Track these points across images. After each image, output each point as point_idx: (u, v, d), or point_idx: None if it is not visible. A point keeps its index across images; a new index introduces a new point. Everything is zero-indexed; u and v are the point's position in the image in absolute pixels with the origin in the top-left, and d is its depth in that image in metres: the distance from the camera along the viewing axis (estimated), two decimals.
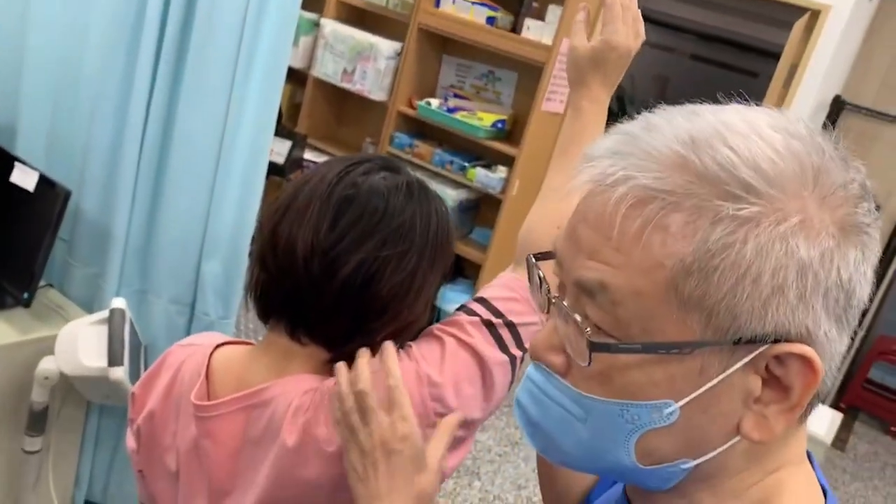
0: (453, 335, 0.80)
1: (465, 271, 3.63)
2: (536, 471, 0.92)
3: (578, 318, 0.50)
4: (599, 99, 0.92)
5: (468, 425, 0.80)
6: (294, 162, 3.62)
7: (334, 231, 0.77)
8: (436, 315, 0.87)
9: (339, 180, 0.79)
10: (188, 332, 2.04)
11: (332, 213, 0.77)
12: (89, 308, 2.02)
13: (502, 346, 0.81)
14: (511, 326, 0.81)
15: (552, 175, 0.91)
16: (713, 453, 0.50)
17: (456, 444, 0.80)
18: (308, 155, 3.74)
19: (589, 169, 0.50)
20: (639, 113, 0.52)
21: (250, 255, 0.84)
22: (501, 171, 3.31)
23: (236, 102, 1.85)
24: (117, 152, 1.92)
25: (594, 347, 0.49)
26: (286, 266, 0.78)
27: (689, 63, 6.01)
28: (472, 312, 0.82)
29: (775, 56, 4.09)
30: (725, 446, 0.50)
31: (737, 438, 0.50)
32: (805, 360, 0.47)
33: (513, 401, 0.62)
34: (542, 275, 0.56)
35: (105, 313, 1.74)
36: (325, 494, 0.78)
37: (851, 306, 0.48)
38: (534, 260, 0.59)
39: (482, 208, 3.60)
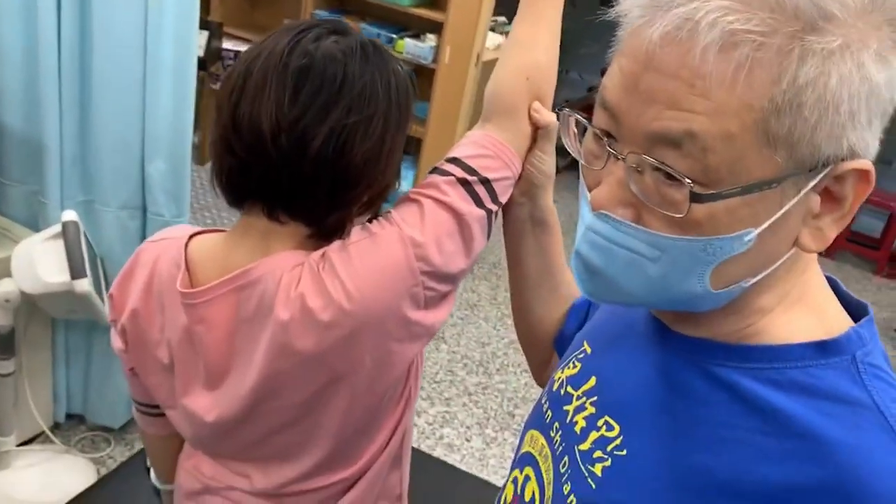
0: (430, 196, 0.82)
1: (406, 147, 3.61)
2: (511, 312, 0.99)
3: (670, 169, 0.50)
4: None
5: (453, 279, 0.84)
6: (213, 53, 3.46)
7: (297, 104, 0.76)
8: None
9: (290, 50, 0.77)
10: (144, 237, 2.02)
11: (291, 86, 0.76)
12: (35, 227, 1.97)
13: (478, 202, 0.83)
14: (486, 182, 0.84)
15: (519, 26, 0.90)
16: (771, 268, 0.55)
17: (443, 298, 0.84)
18: (227, 44, 3.57)
19: (662, 17, 0.48)
20: None
21: (213, 142, 0.82)
22: (431, 40, 3.23)
23: None
24: (32, 55, 1.81)
25: (696, 198, 0.49)
26: (254, 147, 0.77)
27: None
28: (445, 173, 0.84)
29: None
30: (781, 261, 0.55)
31: (791, 251, 0.55)
32: (862, 173, 0.51)
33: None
34: (595, 126, 0.55)
35: (57, 228, 1.70)
36: (322, 365, 0.81)
37: (888, 117, 0.52)
38: (567, 110, 0.58)
39: (416, 80, 3.54)
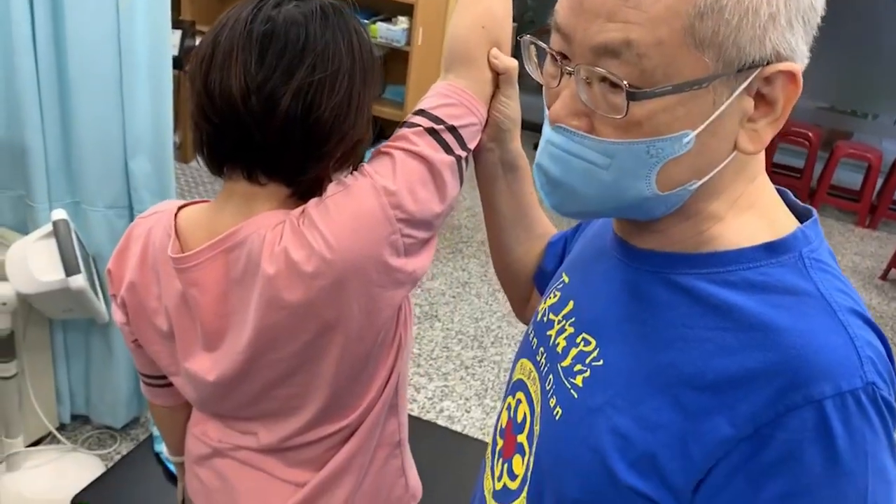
0: (400, 148, 0.86)
1: (386, 132, 3.65)
2: (490, 254, 1.03)
3: (611, 76, 0.55)
4: None
5: (429, 225, 0.88)
6: (188, 51, 3.49)
7: (263, 67, 0.80)
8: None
9: (254, 17, 0.82)
10: None
11: (256, 51, 0.80)
12: (24, 231, 2.00)
13: (447, 149, 0.87)
14: (453, 130, 0.87)
15: None
16: (715, 171, 0.60)
17: (423, 245, 0.89)
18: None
19: None
20: None
21: (190, 113, 0.87)
22: (403, 23, 3.27)
23: None
24: (9, 61, 1.83)
25: (632, 97, 0.55)
26: (227, 112, 0.81)
27: None
28: (413, 125, 0.88)
29: None
30: (724, 163, 0.60)
31: (733, 155, 0.60)
32: (790, 75, 0.56)
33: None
34: (550, 48, 0.61)
35: (48, 227, 1.73)
36: (311, 314, 0.85)
37: (813, 25, 0.57)
38: (528, 38, 0.64)
39: (390, 65, 3.57)
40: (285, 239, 0.83)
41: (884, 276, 4.24)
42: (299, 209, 0.86)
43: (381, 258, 0.84)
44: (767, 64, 0.55)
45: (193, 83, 0.84)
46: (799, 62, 0.57)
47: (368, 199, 0.83)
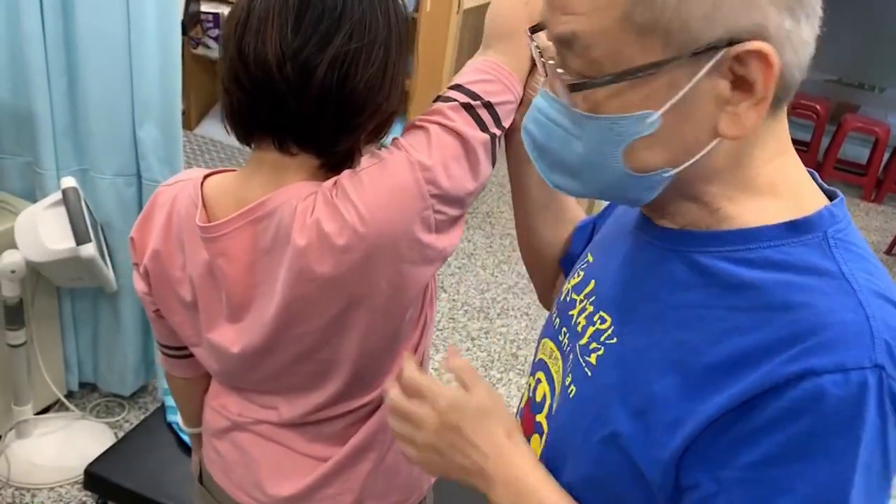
0: (436, 122, 0.84)
1: None
2: (517, 235, 1.01)
3: (558, 68, 0.58)
4: None
5: (461, 202, 0.86)
6: (192, 17, 3.43)
7: (299, 33, 0.78)
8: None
9: None
10: (141, 204, 2.04)
11: (293, 17, 0.78)
12: (33, 198, 1.98)
13: (482, 126, 0.85)
14: (489, 107, 0.86)
15: None
16: (696, 157, 0.58)
17: (453, 222, 0.87)
18: (205, 7, 3.54)
19: None
20: None
21: (221, 78, 0.83)
22: None
23: None
24: (17, 26, 1.80)
25: (573, 88, 0.57)
26: (261, 78, 0.79)
27: None
28: (449, 99, 0.86)
29: None
30: (706, 150, 0.57)
31: (716, 141, 0.57)
32: (762, 55, 0.53)
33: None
34: (538, 45, 0.64)
35: (57, 195, 1.71)
36: (340, 288, 0.84)
37: None
38: (529, 33, 0.65)
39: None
40: (317, 210, 0.82)
41: (889, 251, 4.24)
42: (331, 181, 0.84)
43: (412, 234, 0.82)
44: (731, 44, 0.52)
45: (227, 48, 0.81)
46: (779, 39, 0.53)
47: (404, 173, 0.81)
